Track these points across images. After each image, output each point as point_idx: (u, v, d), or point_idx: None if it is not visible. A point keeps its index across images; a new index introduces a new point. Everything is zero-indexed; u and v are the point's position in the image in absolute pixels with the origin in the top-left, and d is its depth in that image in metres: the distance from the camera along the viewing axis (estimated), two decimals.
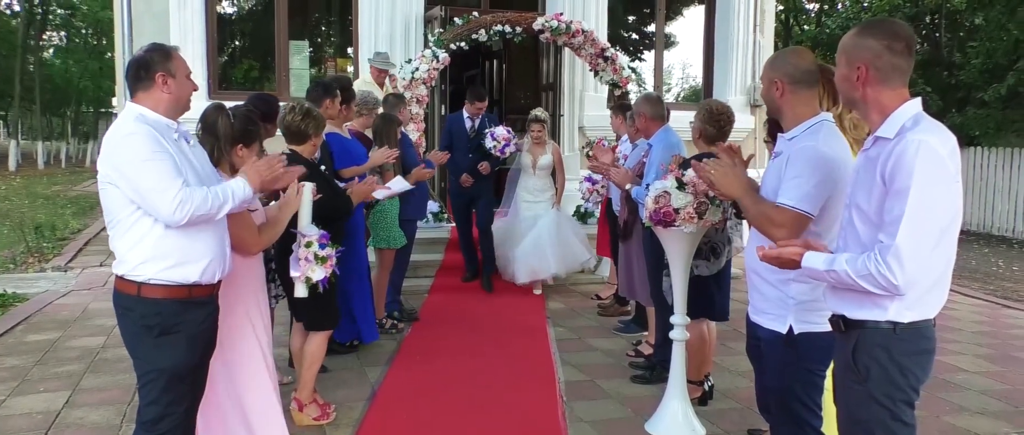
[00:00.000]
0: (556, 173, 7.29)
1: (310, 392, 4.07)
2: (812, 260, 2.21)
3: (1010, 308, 7.56)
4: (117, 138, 2.55)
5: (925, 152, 2.01)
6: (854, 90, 2.21)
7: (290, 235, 3.45)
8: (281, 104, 4.31)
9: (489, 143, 6.93)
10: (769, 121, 3.43)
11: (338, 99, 4.84)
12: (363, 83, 7.36)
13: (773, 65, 2.71)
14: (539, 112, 7.32)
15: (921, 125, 2.09)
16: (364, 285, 5.00)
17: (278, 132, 4.10)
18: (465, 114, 7.18)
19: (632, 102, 6.81)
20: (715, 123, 4.15)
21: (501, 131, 6.94)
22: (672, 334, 4.05)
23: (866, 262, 2.07)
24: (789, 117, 2.69)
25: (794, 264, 2.26)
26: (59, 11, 33.93)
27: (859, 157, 2.27)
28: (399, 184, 4.97)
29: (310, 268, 3.39)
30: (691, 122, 4.30)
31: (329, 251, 3.44)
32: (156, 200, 2.50)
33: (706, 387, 4.46)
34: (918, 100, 2.17)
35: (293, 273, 3.43)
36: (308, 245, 3.41)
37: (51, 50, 37.55)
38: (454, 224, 7.62)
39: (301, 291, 3.47)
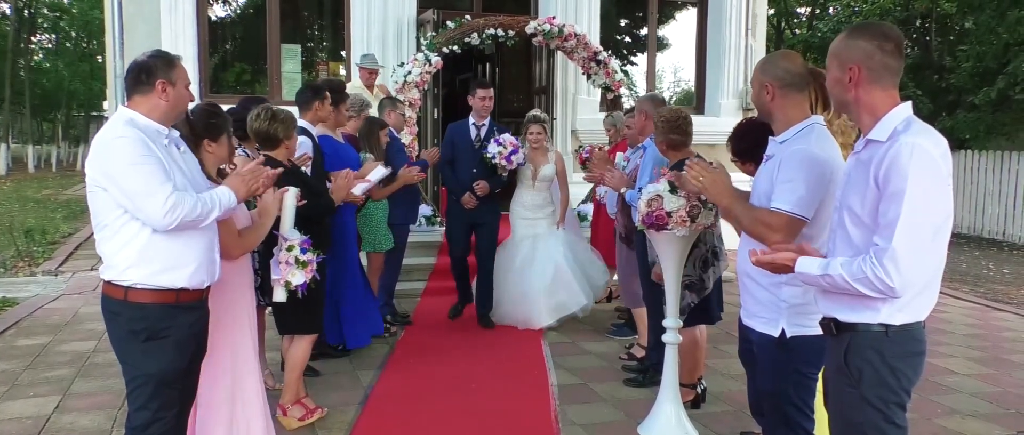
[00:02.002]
0: (559, 185, 6.23)
1: (293, 396, 4.07)
2: (806, 265, 2.22)
3: (1001, 310, 7.59)
4: (105, 142, 2.54)
5: (920, 155, 2.02)
6: (846, 92, 2.22)
7: (274, 239, 3.44)
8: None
9: (492, 150, 5.81)
10: (732, 138, 3.38)
11: (328, 100, 4.77)
12: (354, 87, 7.37)
13: (763, 69, 2.72)
14: (538, 112, 6.31)
15: (913, 128, 2.10)
16: (357, 291, 4.98)
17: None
18: (470, 121, 6.07)
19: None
20: (678, 130, 4.12)
21: (508, 136, 5.88)
22: (665, 337, 4.04)
23: (862, 266, 2.07)
24: (780, 120, 2.70)
25: (787, 269, 2.27)
26: (48, 13, 33.84)
27: (850, 160, 2.28)
28: (377, 172, 4.89)
29: (290, 272, 3.39)
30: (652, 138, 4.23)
31: (310, 256, 3.43)
32: (146, 204, 2.48)
33: (699, 390, 4.46)
34: (908, 104, 2.18)
35: (273, 277, 3.43)
36: (289, 249, 3.40)
37: (41, 54, 37.45)
38: (445, 229, 6.62)
39: (280, 295, 3.47)
